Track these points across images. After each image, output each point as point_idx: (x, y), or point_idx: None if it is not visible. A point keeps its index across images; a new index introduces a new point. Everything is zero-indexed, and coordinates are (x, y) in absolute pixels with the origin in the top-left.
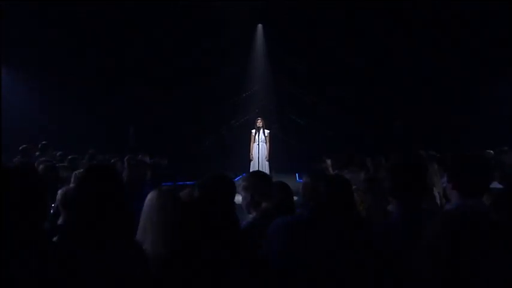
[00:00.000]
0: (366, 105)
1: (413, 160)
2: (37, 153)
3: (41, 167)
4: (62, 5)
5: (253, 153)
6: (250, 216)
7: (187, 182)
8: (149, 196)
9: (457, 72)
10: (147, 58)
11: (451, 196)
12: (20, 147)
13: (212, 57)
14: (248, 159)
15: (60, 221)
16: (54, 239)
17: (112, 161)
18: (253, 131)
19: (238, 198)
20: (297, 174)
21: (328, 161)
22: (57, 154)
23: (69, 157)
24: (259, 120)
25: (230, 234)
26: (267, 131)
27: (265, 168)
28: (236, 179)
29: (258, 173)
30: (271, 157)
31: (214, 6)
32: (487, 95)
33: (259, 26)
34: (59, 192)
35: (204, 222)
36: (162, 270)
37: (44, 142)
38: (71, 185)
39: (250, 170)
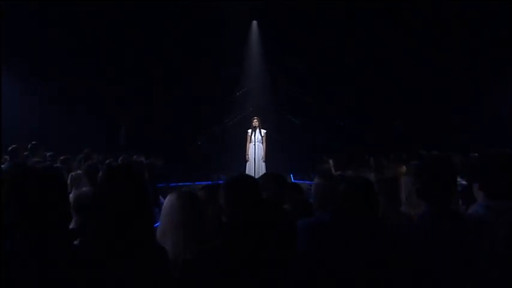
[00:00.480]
0: (365, 105)
1: (442, 161)
2: (25, 153)
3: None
4: (62, 5)
5: (249, 154)
6: None
7: (181, 183)
8: (168, 198)
9: (457, 72)
10: (142, 58)
11: (477, 196)
12: (9, 148)
13: (210, 57)
14: (244, 160)
15: (72, 225)
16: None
17: (107, 161)
18: (250, 130)
19: None
20: (291, 175)
21: (331, 161)
22: (48, 155)
23: (62, 158)
24: (255, 120)
25: (252, 234)
26: (263, 131)
27: (261, 169)
28: None
29: (272, 174)
30: (268, 157)
31: (214, 6)
32: (487, 95)
33: (254, 22)
34: (71, 195)
35: (227, 223)
36: (184, 272)
37: (34, 142)
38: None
39: (246, 171)
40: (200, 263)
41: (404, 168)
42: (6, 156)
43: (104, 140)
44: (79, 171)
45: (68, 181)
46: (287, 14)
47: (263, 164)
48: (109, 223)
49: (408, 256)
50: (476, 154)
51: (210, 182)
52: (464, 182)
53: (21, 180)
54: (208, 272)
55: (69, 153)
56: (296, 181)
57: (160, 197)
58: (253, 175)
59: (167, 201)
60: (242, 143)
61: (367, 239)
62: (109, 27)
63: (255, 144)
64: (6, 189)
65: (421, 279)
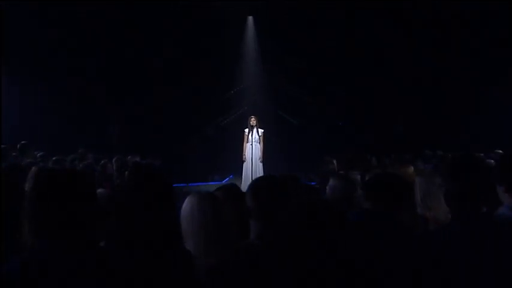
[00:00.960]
0: (365, 105)
1: (475, 161)
2: (13, 154)
3: (33, 169)
4: (62, 5)
5: (246, 154)
6: None
7: (174, 185)
8: (188, 200)
9: (457, 72)
10: (142, 58)
11: (503, 199)
12: None
13: (208, 56)
14: (240, 160)
15: None
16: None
17: (102, 162)
18: (246, 130)
19: None
20: None
21: (335, 162)
22: (38, 155)
23: (54, 158)
24: (252, 119)
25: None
26: (260, 130)
27: (258, 170)
28: (224, 181)
29: (288, 174)
30: (265, 158)
31: (213, 6)
32: (487, 95)
33: (250, 18)
34: None
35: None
36: (215, 273)
37: (23, 142)
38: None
39: (243, 172)
40: (235, 265)
41: (412, 169)
42: None
43: (96, 139)
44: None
45: None
46: (287, 13)
47: (260, 164)
48: (137, 224)
49: (433, 259)
50: (482, 154)
51: (203, 183)
52: None
53: (50, 180)
54: (244, 273)
55: (59, 153)
56: None
57: None
58: (250, 176)
59: (187, 204)
60: (238, 142)
61: (392, 240)
62: (109, 27)
63: (252, 144)
64: (35, 191)
65: (450, 283)
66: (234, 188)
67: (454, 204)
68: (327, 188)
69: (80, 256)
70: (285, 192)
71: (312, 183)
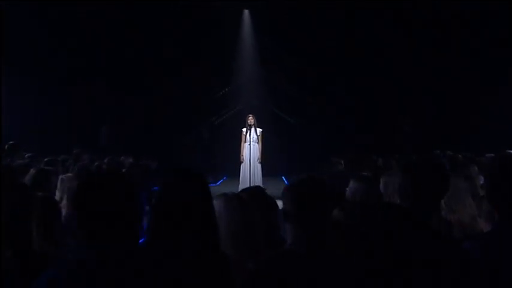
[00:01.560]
0: (365, 105)
1: None
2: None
3: (32, 170)
4: (62, 5)
5: (244, 154)
6: None
7: None
8: (215, 202)
9: (457, 72)
10: (142, 58)
11: None
12: None
13: (204, 56)
14: (237, 161)
15: None
16: None
17: (96, 163)
18: (244, 129)
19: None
20: (283, 178)
21: (343, 162)
22: (26, 156)
23: (47, 159)
24: (250, 118)
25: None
26: (259, 130)
27: (257, 170)
28: (218, 183)
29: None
30: (264, 158)
31: (214, 6)
32: (487, 95)
33: (246, 11)
34: None
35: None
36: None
37: (11, 142)
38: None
39: (241, 173)
40: (275, 270)
41: None
42: None
43: (95, 140)
44: (69, 174)
45: (58, 185)
46: (286, 13)
47: (259, 165)
48: (178, 225)
49: (483, 265)
50: (492, 154)
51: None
52: None
53: (92, 183)
54: (284, 279)
55: (58, 153)
56: None
57: None
58: (247, 178)
59: (214, 205)
60: (235, 143)
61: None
62: (109, 27)
63: (250, 144)
64: (77, 196)
65: None
66: (259, 190)
67: (504, 205)
68: (347, 190)
69: (124, 258)
70: (324, 195)
71: None
